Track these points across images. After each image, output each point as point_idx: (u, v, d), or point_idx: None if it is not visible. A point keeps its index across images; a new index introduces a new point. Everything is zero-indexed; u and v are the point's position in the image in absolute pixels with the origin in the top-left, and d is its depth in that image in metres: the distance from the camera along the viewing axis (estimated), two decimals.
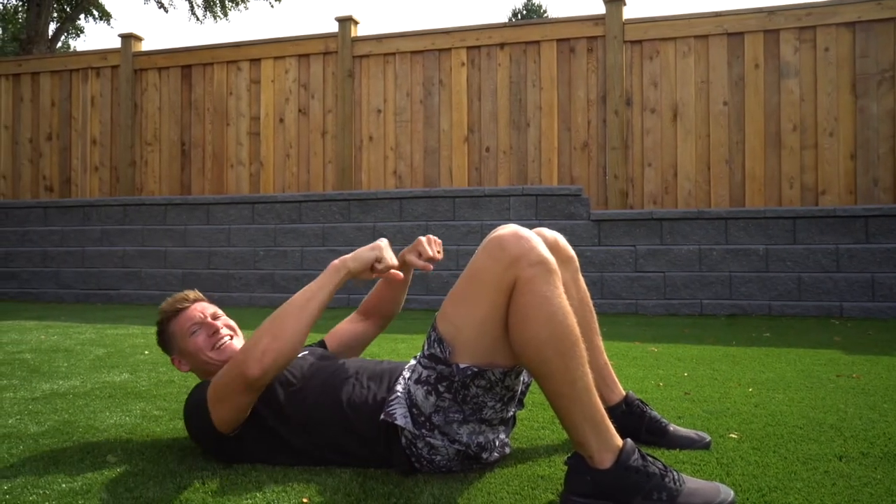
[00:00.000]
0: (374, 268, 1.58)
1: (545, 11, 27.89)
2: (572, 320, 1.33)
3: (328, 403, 1.53)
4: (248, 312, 5.06)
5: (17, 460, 1.61)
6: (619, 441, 1.31)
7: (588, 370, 1.33)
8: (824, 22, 5.02)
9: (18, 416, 2.02)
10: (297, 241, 5.65)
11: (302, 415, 1.53)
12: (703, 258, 4.81)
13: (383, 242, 1.62)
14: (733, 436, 1.74)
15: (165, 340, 1.76)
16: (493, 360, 1.39)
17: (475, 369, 1.39)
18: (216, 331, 1.70)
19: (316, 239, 5.61)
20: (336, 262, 1.54)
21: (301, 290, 1.52)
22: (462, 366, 1.39)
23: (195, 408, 1.55)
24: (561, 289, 1.35)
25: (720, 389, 2.32)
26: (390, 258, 1.61)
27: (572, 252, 1.74)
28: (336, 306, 5.46)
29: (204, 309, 1.74)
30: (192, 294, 1.78)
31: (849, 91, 4.98)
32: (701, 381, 2.48)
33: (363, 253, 1.56)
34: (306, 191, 6.01)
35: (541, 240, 1.39)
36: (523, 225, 1.44)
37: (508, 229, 1.38)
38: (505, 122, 5.66)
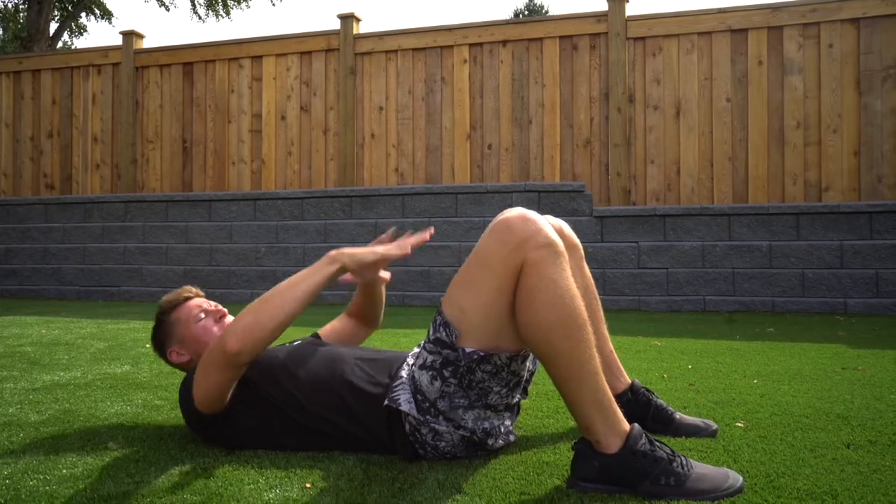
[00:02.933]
0: (356, 268, 1.51)
1: (546, 11, 27.88)
2: (580, 303, 1.31)
3: (330, 386, 1.51)
4: None
5: (18, 447, 1.60)
6: (626, 426, 1.30)
7: (595, 354, 1.31)
8: (829, 18, 5.00)
9: (19, 406, 2.01)
10: (299, 238, 5.64)
11: (306, 394, 1.51)
12: (706, 254, 4.80)
13: (380, 249, 1.55)
14: (739, 425, 1.73)
15: (165, 331, 1.72)
16: (499, 344, 1.38)
17: (481, 353, 1.37)
18: (223, 315, 1.72)
19: (318, 235, 5.59)
20: (333, 252, 1.50)
21: (293, 276, 1.50)
22: (468, 350, 1.37)
23: (185, 389, 1.54)
24: (568, 272, 1.33)
25: (725, 381, 2.30)
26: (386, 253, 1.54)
27: (577, 240, 1.72)
28: (338, 302, 5.45)
29: (209, 303, 1.75)
30: (194, 289, 1.78)
31: (853, 88, 4.96)
32: (705, 373, 2.46)
33: (363, 255, 1.50)
34: (308, 188, 6.00)
35: (547, 223, 1.38)
36: None
37: (515, 212, 1.37)
38: (507, 119, 5.65)
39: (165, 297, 1.76)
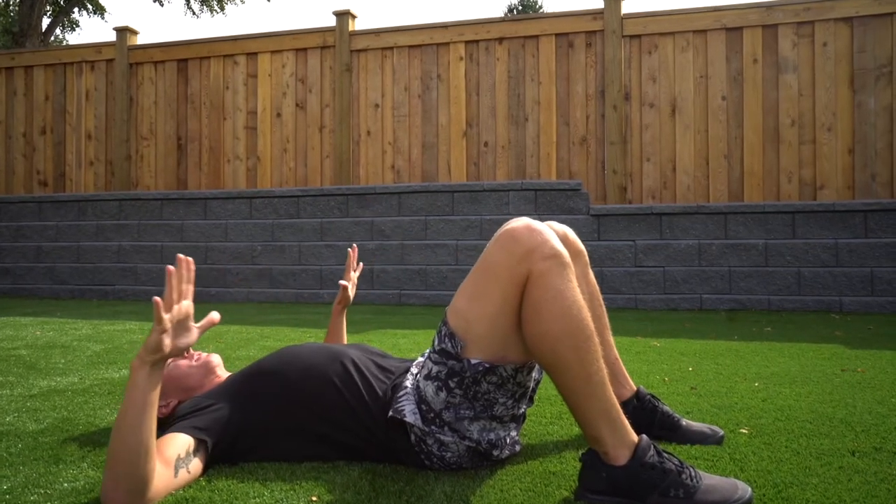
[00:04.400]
0: (167, 345, 1.26)
1: (540, 8, 27.81)
2: (586, 314, 1.30)
3: (331, 391, 1.50)
4: (245, 308, 5.03)
5: (17, 459, 1.58)
6: (634, 437, 1.29)
7: (602, 365, 1.31)
8: (822, 17, 5.01)
9: (16, 414, 1.98)
10: (295, 236, 5.61)
11: (305, 399, 1.50)
12: (702, 253, 4.80)
13: (166, 318, 1.27)
14: (743, 431, 1.73)
15: None
16: (505, 355, 1.37)
17: (487, 365, 1.36)
18: (188, 350, 1.74)
19: (314, 234, 5.57)
20: (134, 360, 1.31)
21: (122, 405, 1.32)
22: (474, 361, 1.36)
23: None
24: (574, 282, 1.32)
25: (726, 384, 2.30)
26: (172, 319, 1.28)
27: (582, 246, 1.71)
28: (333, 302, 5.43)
29: None
30: None
31: (847, 86, 4.97)
32: (706, 375, 2.46)
33: (149, 339, 1.28)
34: (304, 186, 5.97)
35: (553, 233, 1.37)
36: None
37: (521, 222, 1.36)
38: (503, 116, 5.63)
39: None
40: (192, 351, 1.77)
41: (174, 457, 1.35)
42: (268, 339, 3.42)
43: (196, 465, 1.40)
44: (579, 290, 1.34)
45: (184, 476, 1.36)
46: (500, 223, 5.08)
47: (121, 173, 6.44)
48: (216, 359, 1.75)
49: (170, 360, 1.72)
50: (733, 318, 4.22)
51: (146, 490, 1.26)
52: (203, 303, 5.42)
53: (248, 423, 1.50)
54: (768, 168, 5.10)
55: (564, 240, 1.63)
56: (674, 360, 2.80)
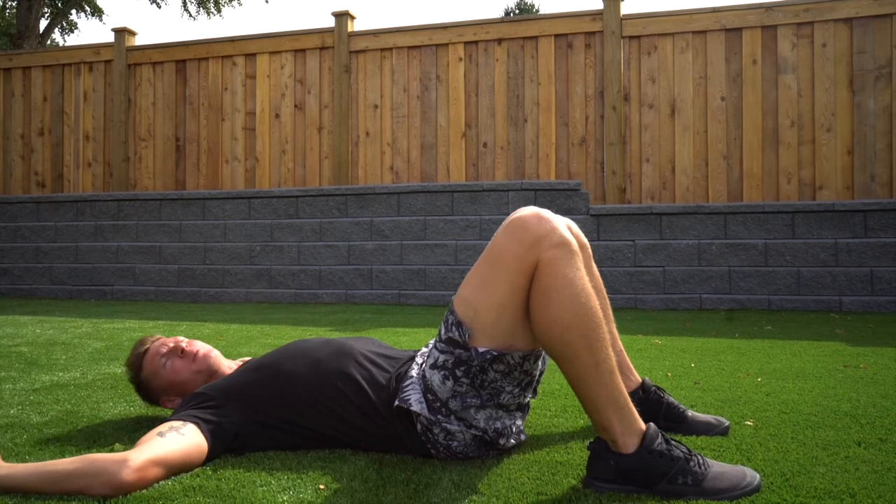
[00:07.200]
0: None
1: (537, 10, 27.89)
2: (595, 302, 1.31)
3: (335, 384, 1.50)
4: (244, 308, 5.01)
5: (23, 449, 1.57)
6: (642, 425, 1.29)
7: (611, 353, 1.31)
8: (822, 18, 5.03)
9: (20, 407, 1.98)
10: (294, 237, 5.61)
11: (310, 395, 1.50)
12: (702, 253, 4.81)
13: None
14: (749, 423, 1.73)
15: (147, 391, 1.75)
16: (512, 343, 1.37)
17: (494, 353, 1.36)
18: (182, 349, 1.72)
19: (313, 234, 5.57)
20: None
21: None
22: (481, 350, 1.36)
23: None
24: (583, 270, 1.33)
25: (729, 379, 2.30)
26: None
27: (585, 239, 1.71)
28: (333, 302, 5.42)
29: (163, 342, 1.77)
30: (148, 339, 1.81)
31: (846, 87, 4.99)
32: (709, 371, 2.46)
33: None
34: (303, 186, 5.97)
35: (562, 221, 1.37)
36: None
37: (529, 211, 1.36)
38: (502, 117, 5.64)
39: (126, 362, 1.80)
40: (189, 347, 1.73)
41: (153, 433, 1.37)
42: (269, 338, 3.41)
43: (191, 433, 1.40)
44: (587, 279, 1.34)
45: (176, 438, 1.36)
46: (499, 223, 5.08)
47: (119, 174, 6.43)
48: (214, 361, 1.72)
49: (166, 362, 1.70)
50: (733, 318, 4.23)
51: (121, 468, 1.26)
52: (202, 303, 5.41)
53: (250, 420, 1.50)
54: (768, 169, 5.11)
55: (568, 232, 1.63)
56: (675, 356, 2.80)
